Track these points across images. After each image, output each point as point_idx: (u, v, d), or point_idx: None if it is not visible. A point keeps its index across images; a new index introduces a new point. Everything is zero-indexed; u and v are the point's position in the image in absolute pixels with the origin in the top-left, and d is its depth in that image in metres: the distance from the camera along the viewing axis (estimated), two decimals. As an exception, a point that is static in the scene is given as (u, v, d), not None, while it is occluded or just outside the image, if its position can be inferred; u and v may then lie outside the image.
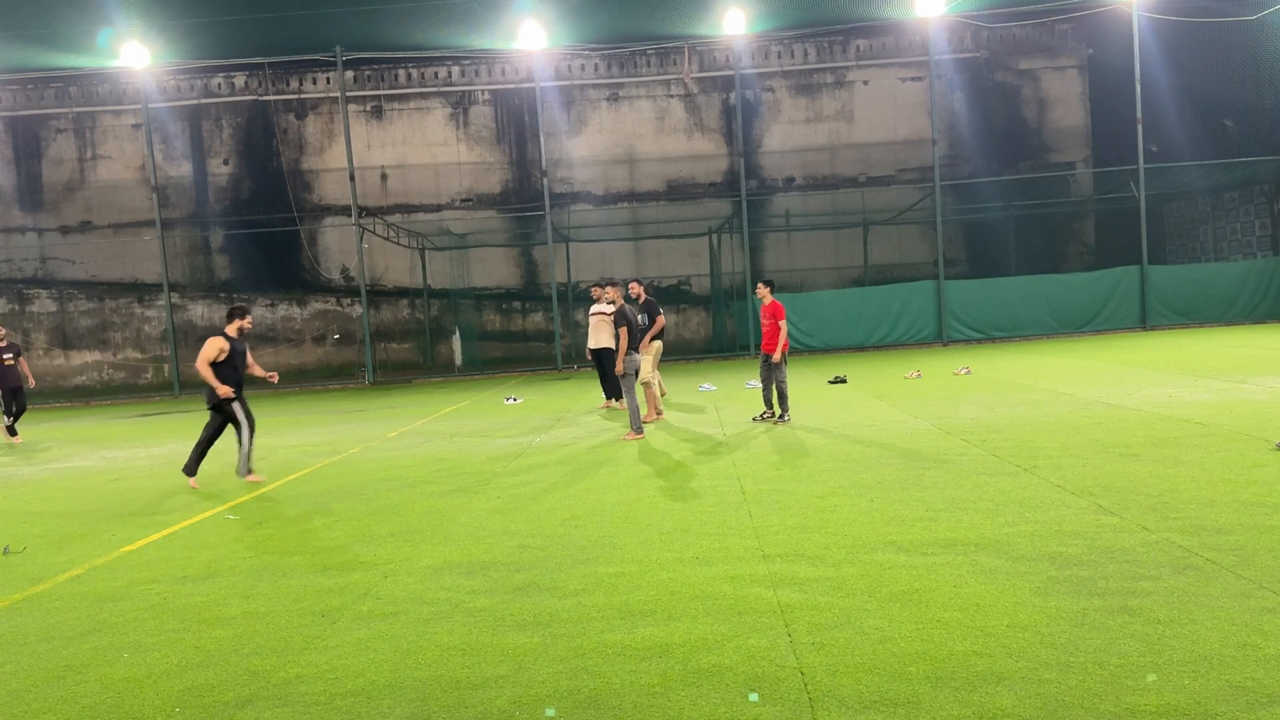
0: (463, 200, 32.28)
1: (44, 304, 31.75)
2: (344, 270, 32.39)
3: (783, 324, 11.55)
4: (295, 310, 32.37)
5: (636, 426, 11.29)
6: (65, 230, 32.06)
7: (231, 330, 9.69)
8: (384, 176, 32.28)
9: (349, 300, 32.11)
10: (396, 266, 32.17)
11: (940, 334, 26.02)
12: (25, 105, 31.74)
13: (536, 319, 32.42)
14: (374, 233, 28.55)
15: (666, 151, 32.12)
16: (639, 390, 12.34)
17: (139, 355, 32.05)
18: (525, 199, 31.65)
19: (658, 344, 13.30)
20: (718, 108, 32.12)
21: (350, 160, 26.49)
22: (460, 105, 32.24)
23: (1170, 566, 4.94)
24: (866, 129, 31.94)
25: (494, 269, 32.66)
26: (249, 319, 9.94)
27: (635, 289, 13.71)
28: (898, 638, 4.21)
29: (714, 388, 17.54)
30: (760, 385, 12.20)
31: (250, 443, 9.72)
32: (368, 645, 4.59)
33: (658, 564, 5.66)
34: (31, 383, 15.98)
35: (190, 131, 32.11)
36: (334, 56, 26.62)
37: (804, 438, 10.37)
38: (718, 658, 4.13)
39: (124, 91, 31.30)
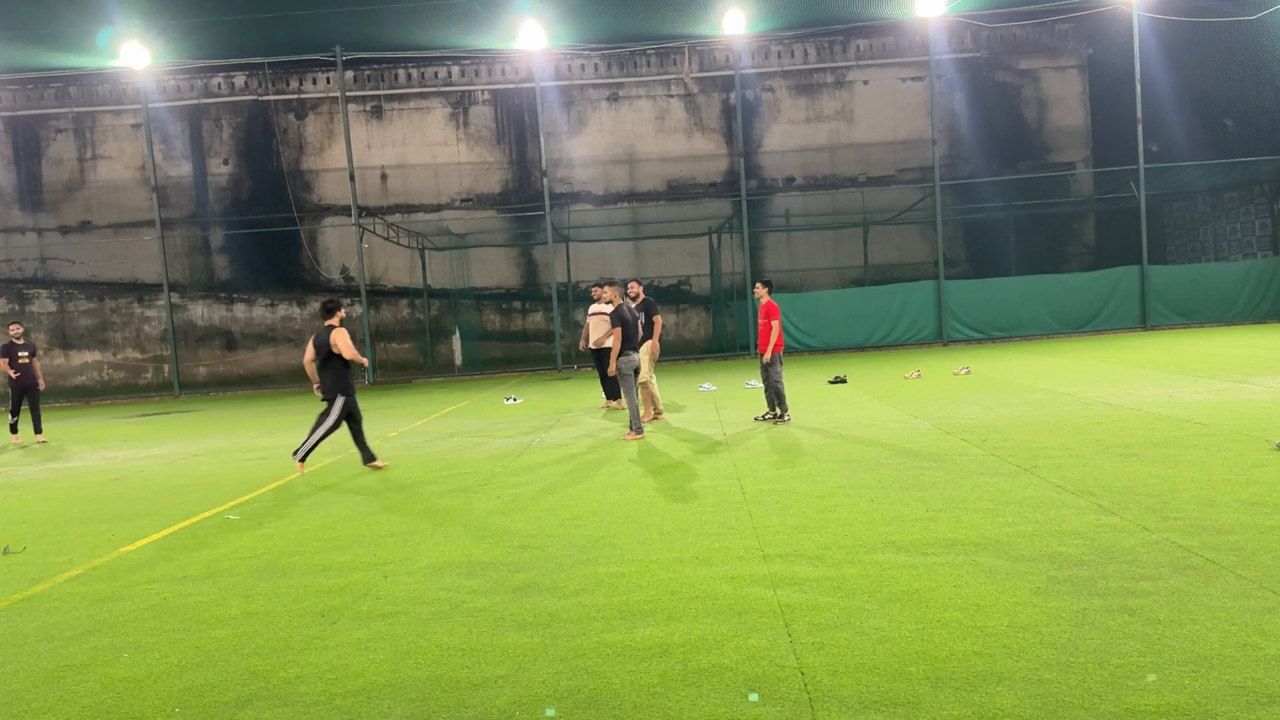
0: (463, 200, 32.28)
1: (44, 304, 31.75)
2: (344, 270, 32.40)
3: (776, 323, 11.52)
4: (295, 310, 32.37)
5: (636, 426, 11.29)
6: (65, 230, 32.06)
7: (336, 321, 9.92)
8: (384, 176, 32.29)
9: (349, 300, 32.06)
10: (396, 266, 32.18)
11: (940, 334, 26.02)
12: (25, 105, 31.74)
13: (536, 319, 32.42)
14: (374, 233, 28.55)
15: (666, 151, 32.12)
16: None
17: (139, 355, 32.05)
18: (525, 199, 31.66)
19: (653, 343, 13.29)
20: (718, 108, 32.12)
21: (350, 160, 26.50)
22: (460, 105, 32.25)
23: (1170, 566, 4.94)
24: (866, 129, 31.94)
25: (494, 269, 32.67)
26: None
27: (634, 289, 13.71)
28: (898, 638, 4.21)
29: (714, 388, 17.54)
30: (761, 385, 12.19)
31: (322, 438, 9.97)
32: (368, 645, 4.59)
33: (658, 564, 5.66)
34: (42, 384, 15.77)
35: (190, 131, 32.11)
36: (334, 56, 26.64)
37: (804, 438, 10.37)
38: (718, 658, 4.13)
39: (124, 91, 31.31)
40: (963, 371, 16.96)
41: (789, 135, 31.97)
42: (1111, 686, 3.58)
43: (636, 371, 11.51)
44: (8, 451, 14.98)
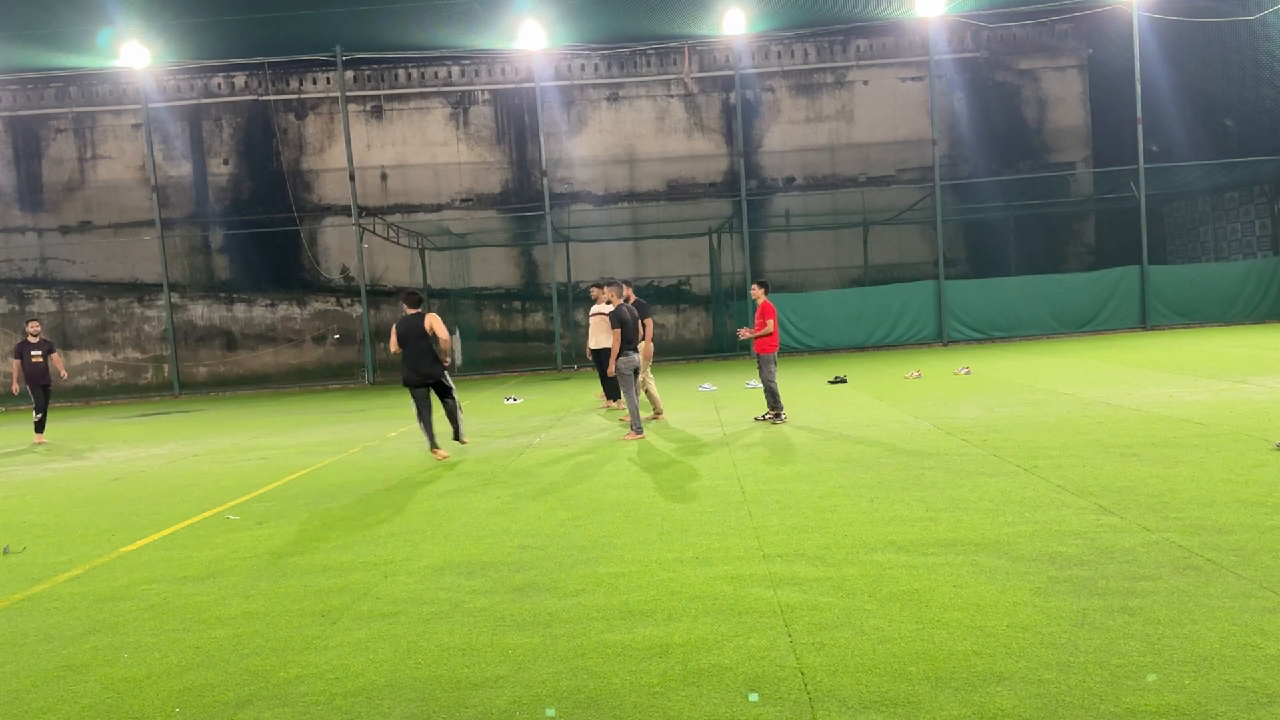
0: (463, 200, 32.28)
1: (44, 304, 31.74)
2: (344, 270, 32.40)
3: (771, 322, 11.55)
4: (295, 310, 32.36)
5: (636, 426, 11.30)
6: (65, 230, 32.06)
7: (409, 310, 10.56)
8: (384, 176, 32.29)
9: (349, 300, 32.11)
10: (396, 266, 32.17)
11: (940, 334, 26.02)
12: (25, 105, 31.73)
13: (536, 319, 32.41)
14: (374, 233, 28.55)
15: (666, 151, 32.12)
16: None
17: (139, 355, 32.05)
18: (525, 199, 31.66)
19: (646, 345, 13.28)
20: (718, 108, 32.12)
21: (350, 160, 26.50)
22: (460, 105, 32.25)
23: (1170, 566, 4.94)
24: (866, 129, 31.93)
25: (494, 269, 32.66)
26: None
27: (625, 291, 13.71)
28: (898, 638, 4.21)
29: (714, 388, 17.54)
30: (760, 385, 12.21)
31: (459, 412, 10.86)
32: (368, 645, 4.59)
33: (658, 564, 5.66)
34: (64, 375, 15.62)
35: (190, 131, 32.11)
36: (334, 56, 26.64)
37: (804, 438, 10.37)
38: (718, 658, 4.12)
39: (124, 91, 31.30)
40: (963, 371, 16.96)
41: (789, 135, 31.97)
42: (1111, 686, 3.58)
43: (636, 372, 11.52)
44: (33, 451, 14.91)
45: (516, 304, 32.70)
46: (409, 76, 32.09)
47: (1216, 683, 3.56)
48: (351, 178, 26.46)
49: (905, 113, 31.67)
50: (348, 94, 29.46)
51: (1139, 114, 25.16)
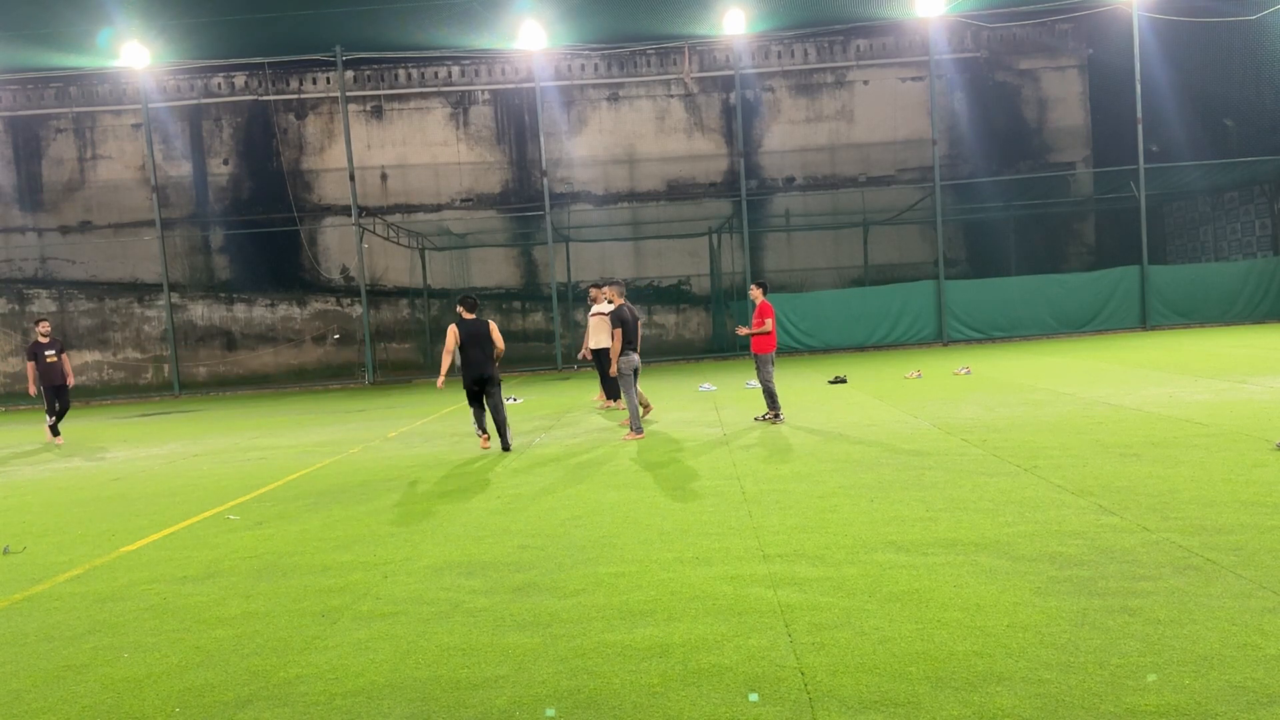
0: (463, 200, 32.28)
1: (44, 304, 31.73)
2: (344, 270, 32.39)
3: (769, 321, 11.58)
4: (295, 310, 32.36)
5: (636, 426, 11.30)
6: (65, 230, 32.05)
7: (468, 315, 10.96)
8: (384, 176, 32.28)
9: (349, 300, 32.10)
10: (396, 266, 32.16)
11: (940, 334, 26.02)
12: (25, 105, 31.73)
13: (536, 319, 32.41)
14: (374, 233, 28.54)
15: (666, 151, 32.11)
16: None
17: (139, 355, 32.04)
18: (525, 199, 31.65)
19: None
20: (718, 108, 32.11)
21: (350, 160, 26.50)
22: (460, 105, 32.24)
23: (1170, 566, 4.94)
24: (866, 129, 31.93)
25: (494, 269, 32.66)
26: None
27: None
28: (898, 638, 4.21)
29: (714, 388, 17.54)
30: (760, 385, 12.22)
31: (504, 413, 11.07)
32: (368, 645, 4.59)
33: (658, 564, 5.66)
34: (71, 381, 15.42)
35: (190, 131, 32.10)
36: (334, 56, 26.63)
37: (805, 438, 10.37)
38: (718, 658, 4.13)
39: (124, 91, 31.30)
40: (963, 371, 16.96)
41: (789, 135, 31.96)
42: (1111, 686, 3.58)
43: (636, 372, 11.52)
44: (48, 450, 14.91)
45: (516, 304, 32.70)
46: (409, 76, 32.09)
47: (1216, 683, 3.56)
48: (351, 178, 26.46)
49: (905, 113, 31.66)
50: (348, 94, 29.45)
51: (1139, 114, 25.16)
